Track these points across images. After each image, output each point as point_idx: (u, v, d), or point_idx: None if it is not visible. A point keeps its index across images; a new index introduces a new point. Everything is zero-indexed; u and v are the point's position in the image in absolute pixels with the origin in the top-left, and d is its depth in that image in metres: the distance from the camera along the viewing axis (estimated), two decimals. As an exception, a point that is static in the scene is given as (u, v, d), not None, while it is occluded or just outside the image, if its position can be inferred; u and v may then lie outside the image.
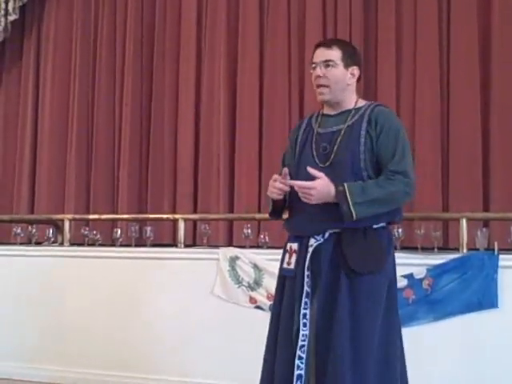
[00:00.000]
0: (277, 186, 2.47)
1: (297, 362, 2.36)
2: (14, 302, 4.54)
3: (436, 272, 3.60)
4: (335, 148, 2.45)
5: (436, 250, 3.92)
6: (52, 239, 4.96)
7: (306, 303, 2.40)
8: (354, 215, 2.33)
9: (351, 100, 2.54)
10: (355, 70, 2.54)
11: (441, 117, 4.83)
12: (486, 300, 3.49)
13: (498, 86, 4.70)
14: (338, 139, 2.46)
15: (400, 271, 3.61)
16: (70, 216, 4.96)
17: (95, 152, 5.97)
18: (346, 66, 2.50)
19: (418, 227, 4.05)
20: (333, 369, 2.31)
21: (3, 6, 6.30)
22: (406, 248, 4.00)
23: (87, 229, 4.90)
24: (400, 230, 4.00)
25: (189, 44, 5.66)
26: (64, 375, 4.32)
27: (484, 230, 3.89)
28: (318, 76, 2.48)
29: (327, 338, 2.35)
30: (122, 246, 4.67)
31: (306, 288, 2.40)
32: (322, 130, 2.53)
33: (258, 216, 4.56)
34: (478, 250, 3.77)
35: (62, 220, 4.85)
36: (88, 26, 6.14)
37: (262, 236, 4.28)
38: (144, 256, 4.35)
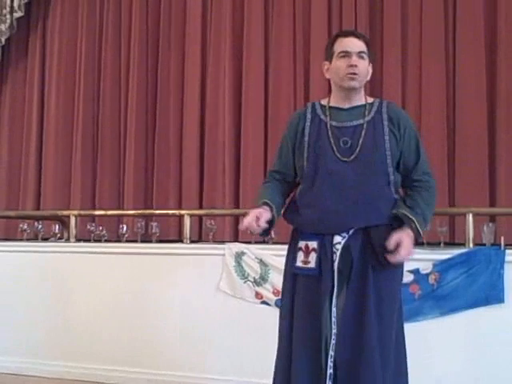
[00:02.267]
0: (261, 227, 2.41)
1: (330, 362, 2.34)
2: (20, 298, 4.55)
3: (442, 267, 3.59)
4: (360, 142, 2.43)
5: (442, 244, 3.91)
6: (58, 235, 4.97)
7: (336, 301, 2.39)
8: (422, 234, 2.46)
9: (362, 95, 2.55)
10: (371, 68, 2.57)
11: (447, 112, 4.83)
12: (493, 295, 3.47)
13: (504, 81, 4.69)
14: (362, 134, 2.45)
15: (406, 266, 3.58)
16: (75, 212, 4.97)
17: (101, 148, 5.98)
18: (369, 61, 2.53)
19: (424, 222, 4.03)
20: (367, 366, 2.33)
21: (9, 3, 6.31)
22: (412, 243, 3.99)
23: (93, 225, 4.91)
24: (406, 225, 3.99)
25: (194, 39, 5.66)
26: (71, 371, 4.33)
27: (490, 224, 3.88)
28: (355, 65, 2.44)
29: (357, 335, 2.35)
30: (127, 241, 4.68)
31: (336, 286, 2.38)
32: (338, 123, 2.49)
33: (263, 211, 4.55)
34: (484, 244, 3.76)
35: (68, 216, 4.86)
36: (93, 22, 6.15)
37: (267, 231, 4.27)
38: (150, 252, 4.35)
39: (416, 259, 3.62)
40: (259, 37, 5.41)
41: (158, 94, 5.81)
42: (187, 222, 4.42)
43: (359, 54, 2.47)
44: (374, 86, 4.94)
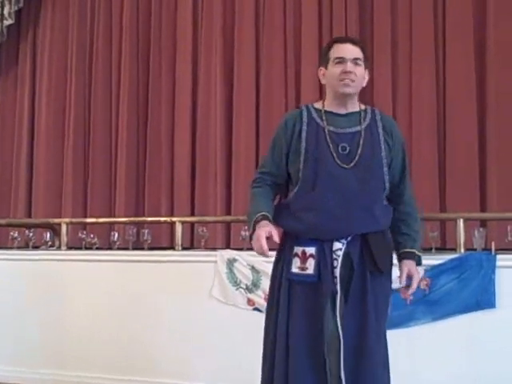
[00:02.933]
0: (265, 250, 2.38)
1: (341, 366, 2.35)
2: (11, 306, 4.53)
3: (434, 272, 3.59)
4: (359, 150, 2.45)
5: (433, 250, 3.92)
6: (49, 243, 4.96)
7: (339, 308, 2.39)
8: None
9: (357, 102, 2.56)
10: (367, 74, 2.56)
11: (437, 118, 4.85)
12: (484, 300, 3.49)
13: (493, 88, 4.71)
14: (361, 141, 2.46)
15: (397, 272, 3.64)
16: (67, 220, 4.96)
17: (92, 156, 5.97)
18: (365, 67, 2.53)
19: (416, 228, 4.04)
20: (369, 370, 2.39)
21: (-1, 11, 6.31)
22: (403, 249, 4.00)
23: (84, 232, 4.90)
24: (397, 231, 4.00)
25: (185, 45, 5.66)
26: (63, 379, 4.31)
27: (481, 229, 3.90)
28: (350, 72, 2.44)
29: (359, 340, 2.38)
30: (119, 249, 4.67)
31: (338, 292, 2.39)
32: (336, 129, 2.48)
33: (255, 218, 4.55)
34: (475, 250, 3.77)
35: (60, 224, 4.84)
36: (84, 29, 6.15)
37: (259, 238, 4.27)
38: (141, 259, 4.34)
39: (407, 265, 3.65)
40: (250, 40, 5.42)
41: (149, 101, 5.81)
42: (179, 229, 4.41)
43: (354, 61, 2.46)
44: (364, 93, 4.95)
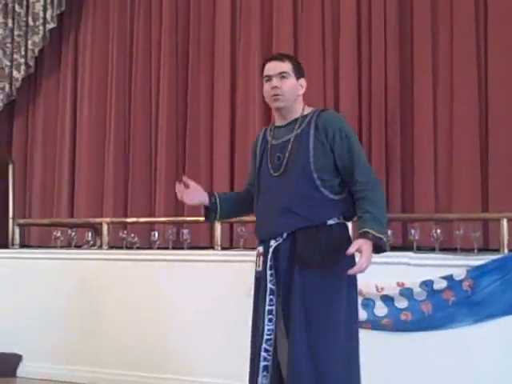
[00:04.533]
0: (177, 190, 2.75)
1: (263, 354, 2.54)
2: (54, 304, 4.61)
3: (476, 273, 3.54)
4: (287, 156, 2.61)
5: (476, 250, 3.86)
6: (91, 242, 5.03)
7: (271, 300, 2.56)
8: (386, 239, 2.50)
9: (299, 109, 2.69)
10: (303, 82, 2.70)
11: (479, 117, 4.75)
12: (529, 301, 3.42)
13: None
14: (289, 148, 2.61)
15: (439, 272, 3.59)
16: (108, 219, 5.03)
17: (132, 156, 6.03)
18: (297, 77, 2.67)
19: (457, 228, 3.99)
20: (291, 365, 2.46)
21: (42, 14, 6.43)
22: (445, 249, 3.96)
23: (125, 232, 4.96)
24: (439, 231, 3.96)
25: (223, 42, 5.67)
26: (101, 376, 4.38)
27: (525, 230, 3.82)
28: (275, 87, 2.61)
29: (288, 332, 2.50)
30: (159, 248, 4.71)
31: (269, 286, 2.57)
32: (275, 141, 2.68)
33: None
34: (519, 250, 3.70)
35: (101, 223, 4.92)
36: (124, 31, 6.21)
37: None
38: (181, 258, 4.37)
39: (449, 265, 3.61)
40: (288, 38, 5.41)
41: (188, 102, 5.84)
42: (218, 228, 4.43)
43: (281, 75, 2.63)
44: (404, 92, 4.92)
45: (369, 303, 3.70)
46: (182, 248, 4.59)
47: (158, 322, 4.29)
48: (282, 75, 2.63)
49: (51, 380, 4.50)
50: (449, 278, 3.58)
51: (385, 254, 3.88)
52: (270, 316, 2.56)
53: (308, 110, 2.69)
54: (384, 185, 4.91)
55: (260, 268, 2.63)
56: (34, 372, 4.61)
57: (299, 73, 2.69)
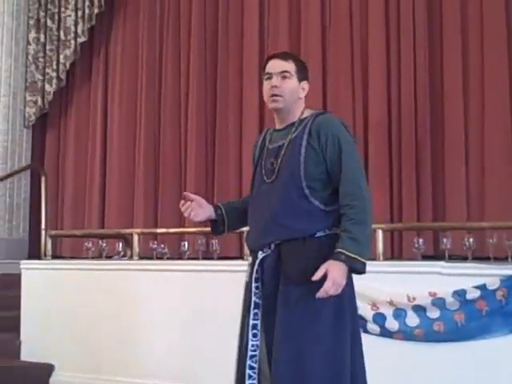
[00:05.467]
0: (181, 208, 2.61)
1: (248, 371, 2.43)
2: (85, 315, 4.65)
3: (510, 282, 3.47)
4: (279, 162, 2.48)
5: (510, 259, 3.79)
6: (122, 253, 5.07)
7: (255, 314, 2.46)
8: (364, 260, 2.34)
9: (298, 113, 2.54)
10: (306, 85, 2.56)
11: (511, 123, 4.69)
12: None
13: None
14: (281, 154, 2.49)
15: (472, 282, 3.53)
16: (138, 230, 5.06)
17: (162, 167, 6.08)
18: (299, 79, 2.53)
19: (490, 236, 3.92)
20: (276, 380, 2.35)
21: (73, 28, 6.54)
22: (477, 258, 3.89)
23: (155, 242, 4.98)
24: (471, 240, 3.90)
25: (251, 49, 5.70)
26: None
27: (561, 237, 3.74)
28: (275, 86, 2.48)
29: (272, 346, 2.39)
30: (189, 259, 4.72)
31: (253, 299, 2.46)
32: (271, 145, 2.56)
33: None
34: (554, 259, 3.63)
35: (131, 234, 4.95)
36: (153, 43, 6.29)
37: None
38: (211, 269, 4.38)
39: (482, 275, 3.55)
40: (316, 48, 5.41)
41: (217, 111, 5.88)
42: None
43: (282, 74, 2.49)
44: (434, 94, 4.87)
45: (400, 313, 3.65)
46: (211, 258, 4.60)
47: (187, 331, 4.29)
48: (284, 75, 2.48)
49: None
50: (482, 287, 3.52)
51: (416, 263, 3.89)
52: (255, 331, 2.45)
53: (307, 113, 2.54)
54: (415, 194, 4.88)
55: (247, 279, 2.53)
56: (66, 381, 4.64)
57: (302, 75, 2.54)
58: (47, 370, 4.72)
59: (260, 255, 2.48)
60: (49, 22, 6.72)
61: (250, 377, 2.42)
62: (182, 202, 2.61)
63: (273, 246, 2.46)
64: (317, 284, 2.30)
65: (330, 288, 2.27)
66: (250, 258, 2.56)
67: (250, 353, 2.44)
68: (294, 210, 2.42)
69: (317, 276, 2.28)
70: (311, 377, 2.32)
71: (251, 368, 2.43)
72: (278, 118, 2.57)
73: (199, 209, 2.61)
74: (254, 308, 2.46)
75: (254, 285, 2.47)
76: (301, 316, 2.35)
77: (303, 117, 2.53)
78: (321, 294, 2.28)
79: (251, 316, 2.45)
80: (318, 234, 2.41)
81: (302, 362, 2.32)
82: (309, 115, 2.53)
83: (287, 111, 2.52)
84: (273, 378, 2.37)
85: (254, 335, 2.44)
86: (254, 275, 2.48)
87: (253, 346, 2.44)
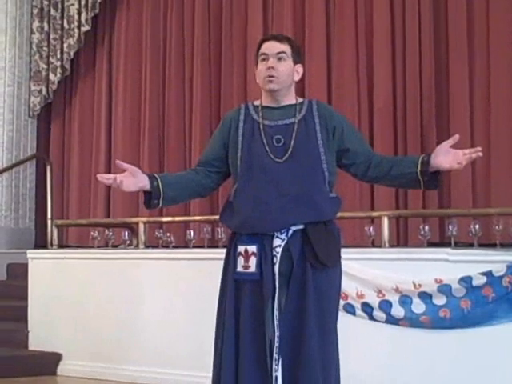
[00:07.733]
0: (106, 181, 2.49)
1: (273, 365, 2.32)
2: (92, 304, 4.67)
3: (517, 269, 3.46)
4: (293, 142, 2.43)
5: (516, 245, 3.78)
6: (128, 242, 5.08)
7: (273, 307, 2.36)
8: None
9: (292, 95, 2.54)
10: (300, 68, 2.55)
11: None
12: None
13: None
14: (294, 133, 2.44)
15: (478, 268, 3.53)
16: (144, 219, 5.06)
17: (167, 156, 6.09)
18: (294, 62, 2.51)
19: (496, 223, 3.90)
20: (305, 368, 2.31)
21: (76, 17, 6.52)
22: (483, 245, 3.88)
23: (161, 231, 4.99)
24: (477, 226, 3.88)
25: (255, 41, 5.62)
26: (140, 375, 4.40)
27: None
28: (271, 67, 2.44)
29: (300, 336, 2.34)
30: (195, 247, 4.73)
31: (277, 289, 2.35)
32: (270, 122, 2.48)
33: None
34: (561, 244, 3.61)
35: (137, 223, 4.96)
36: (157, 31, 6.27)
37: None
38: (217, 257, 4.34)
39: (489, 261, 3.54)
40: (321, 46, 5.39)
41: (221, 102, 5.87)
42: (253, 226, 4.41)
43: (278, 56, 2.46)
44: (439, 90, 4.85)
45: (406, 300, 3.65)
46: (217, 246, 4.60)
47: (194, 319, 4.30)
48: (280, 56, 2.46)
49: (91, 378, 4.56)
50: (488, 273, 3.51)
51: (422, 249, 3.88)
52: (277, 322, 2.34)
53: (300, 98, 2.55)
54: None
55: (252, 270, 2.37)
56: (73, 370, 4.67)
57: (297, 57, 2.52)
58: (55, 359, 4.75)
59: (281, 243, 2.36)
60: (52, 11, 6.70)
61: (277, 370, 2.33)
62: (108, 175, 2.51)
63: (291, 231, 2.38)
64: (339, 267, 2.44)
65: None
66: (250, 248, 2.38)
67: (276, 344, 2.33)
68: (320, 192, 2.43)
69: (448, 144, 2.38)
70: (330, 367, 2.37)
71: (276, 360, 2.33)
72: (273, 98, 2.51)
73: (132, 178, 2.48)
74: (278, 298, 2.36)
75: (276, 275, 2.35)
76: (327, 301, 2.38)
77: (300, 101, 2.54)
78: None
79: (276, 307, 2.35)
80: (332, 219, 2.48)
81: (326, 352, 2.35)
82: (304, 100, 2.55)
83: (283, 93, 2.50)
84: (302, 368, 2.32)
85: (277, 326, 2.34)
86: (278, 265, 2.35)
87: (277, 337, 2.34)
